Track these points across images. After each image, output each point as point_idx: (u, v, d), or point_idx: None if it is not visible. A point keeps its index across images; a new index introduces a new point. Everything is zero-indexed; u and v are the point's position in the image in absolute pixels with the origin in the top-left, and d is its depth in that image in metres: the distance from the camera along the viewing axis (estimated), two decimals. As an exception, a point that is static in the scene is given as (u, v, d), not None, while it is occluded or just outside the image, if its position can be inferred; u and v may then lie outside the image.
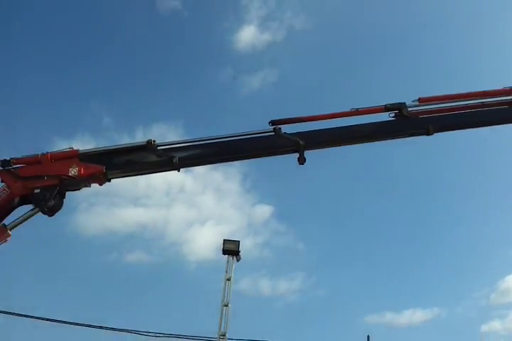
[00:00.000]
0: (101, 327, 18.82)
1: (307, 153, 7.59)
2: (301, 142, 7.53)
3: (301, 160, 7.63)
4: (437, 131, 7.81)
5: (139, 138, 8.08)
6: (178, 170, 7.90)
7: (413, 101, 7.79)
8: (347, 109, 7.75)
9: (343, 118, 7.76)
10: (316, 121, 7.81)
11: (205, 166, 10.00)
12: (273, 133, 7.61)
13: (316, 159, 8.28)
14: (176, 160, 7.60)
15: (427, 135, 7.82)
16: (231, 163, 10.42)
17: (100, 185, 7.89)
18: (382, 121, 7.81)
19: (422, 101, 7.77)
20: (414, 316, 33.78)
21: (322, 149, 8.04)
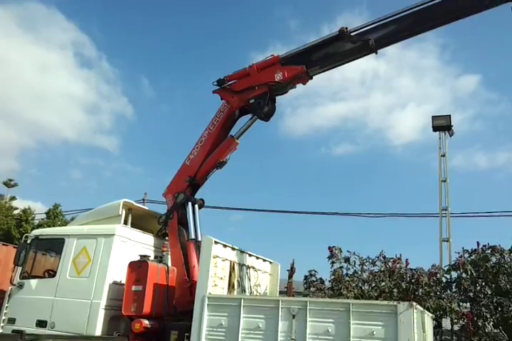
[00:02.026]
0: (324, 213, 20.62)
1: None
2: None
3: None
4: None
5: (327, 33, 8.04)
6: (376, 53, 7.77)
7: None
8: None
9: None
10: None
11: (397, 46, 9.59)
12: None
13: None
14: (371, 42, 7.50)
15: None
16: (424, 36, 9.68)
17: (304, 83, 8.24)
18: None
19: None
20: None
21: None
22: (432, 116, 16.47)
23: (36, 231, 9.12)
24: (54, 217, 25.48)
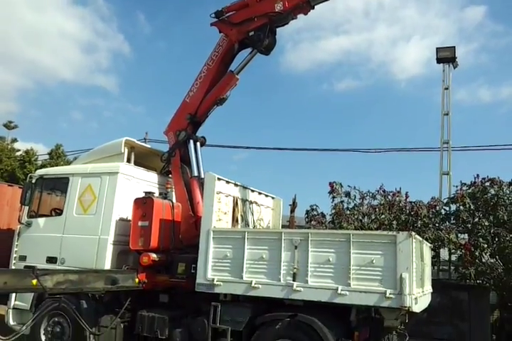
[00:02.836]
0: (325, 150, 20.62)
1: None
2: None
3: None
4: None
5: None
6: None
7: None
8: None
9: None
10: None
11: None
12: None
13: None
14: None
15: None
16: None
17: (305, 14, 7.93)
18: None
19: None
20: None
21: None
22: (436, 48, 16.02)
23: (40, 171, 9.20)
24: (57, 157, 25.60)
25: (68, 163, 22.26)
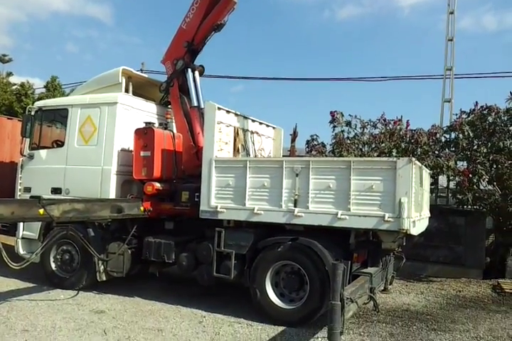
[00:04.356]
0: (326, 79, 20.22)
1: None
2: None
3: None
4: None
5: None
6: None
7: None
8: None
9: None
10: None
11: None
12: None
13: None
14: None
15: None
16: None
17: None
18: None
19: None
20: None
21: None
22: (443, -30, 15.21)
23: (39, 103, 9.10)
24: (53, 89, 25.18)
25: (65, 95, 21.94)
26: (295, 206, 6.14)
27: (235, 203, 6.57)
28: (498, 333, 6.21)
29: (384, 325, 6.42)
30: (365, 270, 6.50)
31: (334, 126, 11.20)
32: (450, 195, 11.53)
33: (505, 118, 10.28)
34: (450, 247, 10.45)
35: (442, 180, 11.36)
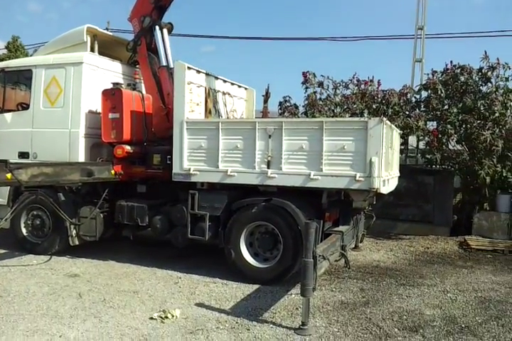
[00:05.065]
0: (298, 39, 19.83)
1: None
2: None
3: None
4: None
5: None
6: None
7: None
8: None
9: None
10: None
11: None
12: None
13: None
14: None
15: None
16: None
17: None
18: None
19: None
20: None
21: None
22: None
23: (1, 64, 8.71)
24: (15, 50, 24.11)
25: (29, 56, 21.04)
26: (268, 167, 6.15)
27: (208, 165, 6.53)
28: (464, 287, 6.49)
29: (355, 280, 6.63)
30: (336, 228, 6.61)
31: (306, 87, 11.15)
32: (419, 154, 11.73)
33: (477, 78, 10.36)
34: (419, 206, 10.74)
35: (412, 140, 11.52)
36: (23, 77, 8.28)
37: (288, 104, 11.51)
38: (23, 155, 7.82)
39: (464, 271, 7.45)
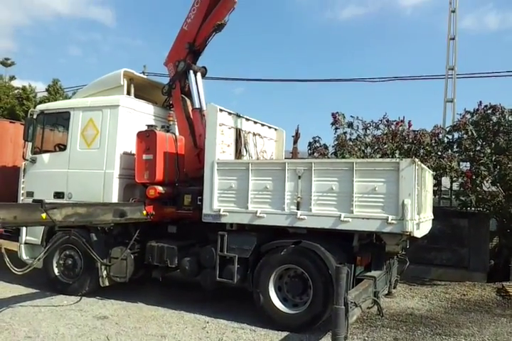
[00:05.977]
0: (328, 80, 20.26)
1: None
2: None
3: None
4: None
5: None
6: None
7: None
8: None
9: None
10: None
11: None
12: None
13: None
14: None
15: None
16: None
17: None
18: None
19: None
20: None
21: None
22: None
23: (41, 106, 9.08)
24: (55, 93, 25.21)
25: (67, 98, 21.96)
26: (298, 209, 6.10)
27: (238, 206, 6.54)
28: (504, 337, 6.15)
29: (388, 329, 6.37)
30: (368, 273, 6.44)
31: (336, 128, 11.17)
32: (453, 196, 11.45)
33: (510, 118, 10.21)
34: (454, 250, 10.39)
35: (445, 181, 11.30)
36: (61, 119, 8.57)
37: (318, 144, 11.53)
38: (59, 195, 8.00)
39: (503, 319, 7.08)
